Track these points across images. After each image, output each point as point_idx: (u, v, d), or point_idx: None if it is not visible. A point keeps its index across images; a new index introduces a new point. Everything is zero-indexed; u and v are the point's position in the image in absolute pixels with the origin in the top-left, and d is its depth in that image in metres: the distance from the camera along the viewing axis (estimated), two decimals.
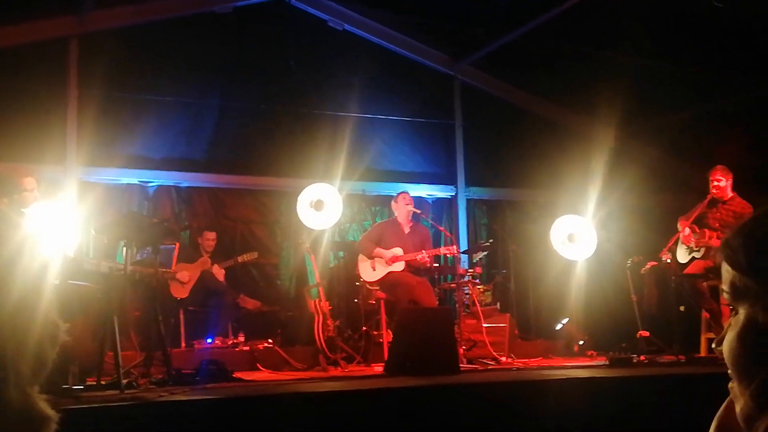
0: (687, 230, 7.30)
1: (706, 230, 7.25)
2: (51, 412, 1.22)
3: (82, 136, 8.26)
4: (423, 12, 9.41)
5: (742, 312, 1.25)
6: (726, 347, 1.27)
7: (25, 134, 7.96)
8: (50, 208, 5.36)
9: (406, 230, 8.04)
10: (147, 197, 8.81)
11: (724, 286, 1.28)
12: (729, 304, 1.30)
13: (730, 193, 7.36)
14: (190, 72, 9.06)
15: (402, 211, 8.05)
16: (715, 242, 7.10)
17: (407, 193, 8.25)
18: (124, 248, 5.60)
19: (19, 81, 8.13)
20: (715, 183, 7.31)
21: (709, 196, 7.33)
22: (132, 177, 8.71)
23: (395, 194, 8.33)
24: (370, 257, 7.88)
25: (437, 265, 8.54)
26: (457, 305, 7.76)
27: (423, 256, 7.74)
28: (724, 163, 7.47)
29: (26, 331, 1.21)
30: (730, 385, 1.27)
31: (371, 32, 9.86)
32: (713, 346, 1.32)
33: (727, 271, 1.26)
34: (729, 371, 1.27)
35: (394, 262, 7.75)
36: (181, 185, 9.00)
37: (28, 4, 8.03)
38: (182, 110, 9.08)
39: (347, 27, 9.70)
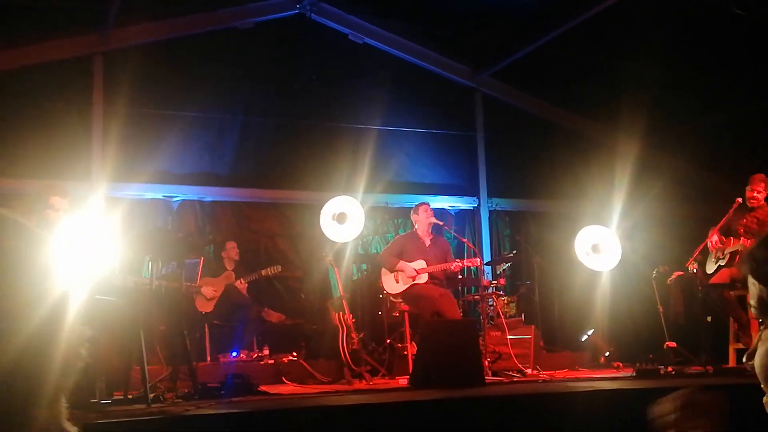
0: (715, 237, 7.22)
1: (732, 238, 7.18)
2: (73, 429, 1.23)
3: (107, 151, 8.34)
4: (443, 24, 9.43)
5: None
6: (757, 362, 1.25)
7: (50, 151, 8.06)
8: (78, 224, 5.40)
9: (427, 242, 8.01)
10: (171, 212, 8.88)
11: (752, 301, 1.25)
12: (757, 318, 1.28)
13: (761, 203, 7.26)
14: (213, 87, 9.13)
15: (423, 223, 8.01)
16: (739, 245, 7.00)
17: (428, 204, 8.21)
18: (150, 263, 5.64)
19: (44, 98, 8.24)
20: (756, 194, 7.18)
21: (735, 204, 7.22)
22: (156, 192, 8.78)
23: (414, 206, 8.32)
24: (393, 271, 7.86)
25: (461, 276, 8.51)
26: (481, 317, 7.73)
27: (458, 265, 7.73)
28: (757, 173, 7.35)
29: (51, 349, 1.22)
30: (765, 399, 1.25)
31: (392, 45, 9.89)
32: (744, 360, 1.30)
33: (753, 284, 1.24)
34: (762, 385, 1.25)
35: (418, 275, 7.73)
36: (204, 199, 9.07)
37: (53, 23, 8.14)
38: (205, 125, 9.16)
39: (368, 40, 9.74)
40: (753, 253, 1.25)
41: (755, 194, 7.21)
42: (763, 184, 7.23)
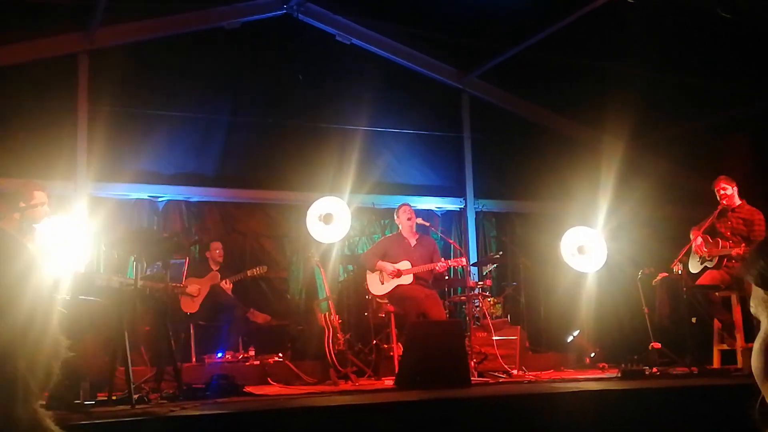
0: (699, 239, 7.27)
1: (720, 239, 7.22)
2: (56, 429, 1.22)
3: (92, 151, 8.30)
4: (431, 25, 9.43)
5: (764, 322, 1.25)
6: (753, 360, 1.26)
7: (35, 150, 8.00)
8: (61, 223, 5.37)
9: (413, 243, 8.02)
10: (157, 212, 8.83)
11: (752, 302, 1.27)
12: (756, 317, 1.30)
13: (738, 201, 7.37)
14: (200, 87, 9.10)
15: (405, 224, 8.03)
16: (731, 251, 7.05)
17: (408, 205, 8.21)
18: (135, 263, 5.61)
19: (29, 97, 8.17)
20: (722, 192, 7.33)
21: (720, 207, 7.32)
22: (142, 192, 8.74)
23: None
24: (372, 271, 7.86)
25: (447, 277, 8.52)
26: (467, 318, 7.73)
27: (443, 265, 7.73)
28: (733, 174, 7.47)
29: (36, 349, 1.21)
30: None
31: (379, 46, 9.89)
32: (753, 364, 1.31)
33: (754, 288, 1.26)
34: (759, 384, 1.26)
35: (397, 276, 7.71)
36: (190, 200, 9.03)
37: (39, 21, 8.09)
38: (192, 125, 9.12)
39: (355, 41, 9.73)
40: (753, 263, 1.27)
41: (722, 191, 7.33)
42: (724, 181, 7.39)
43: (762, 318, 1.25)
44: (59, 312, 1.28)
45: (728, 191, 7.34)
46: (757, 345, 1.26)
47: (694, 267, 7.37)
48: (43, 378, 1.23)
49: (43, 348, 1.22)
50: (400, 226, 8.11)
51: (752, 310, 1.28)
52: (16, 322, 1.18)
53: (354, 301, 8.56)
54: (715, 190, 7.40)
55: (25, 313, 1.20)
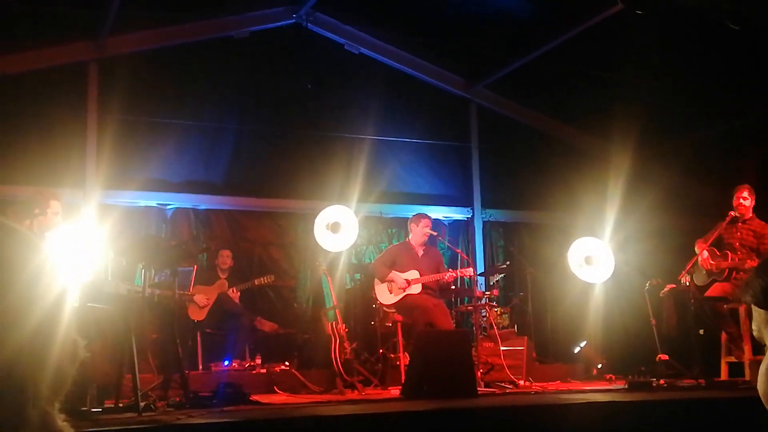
0: (705, 253, 7.23)
1: (728, 252, 7.18)
2: (69, 429, 1.23)
3: (101, 159, 8.33)
4: (439, 35, 9.46)
5: None
6: (759, 381, 1.26)
7: (45, 158, 8.04)
8: (70, 231, 5.39)
9: (420, 253, 8.02)
10: (165, 220, 8.86)
11: (754, 325, 1.27)
12: (760, 341, 1.29)
13: (750, 213, 7.32)
14: (208, 96, 9.14)
15: (419, 235, 8.01)
16: (743, 263, 7.01)
17: (429, 218, 8.18)
18: (143, 271, 5.62)
19: (39, 105, 8.22)
20: (742, 201, 7.25)
21: (729, 216, 7.26)
22: (150, 200, 8.77)
23: (411, 215, 8.27)
24: (383, 281, 7.86)
25: (454, 287, 8.51)
26: (474, 328, 7.72)
27: (451, 275, 7.74)
28: (742, 183, 7.43)
29: (46, 351, 1.22)
30: None
31: (387, 55, 9.91)
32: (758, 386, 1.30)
33: (755, 310, 1.26)
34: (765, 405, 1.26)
35: (409, 285, 7.72)
36: (199, 208, 9.06)
37: (48, 30, 8.14)
38: (200, 133, 9.16)
39: (363, 50, 9.76)
40: (750, 283, 1.26)
41: (742, 200, 7.27)
42: (748, 191, 7.32)
43: (767, 340, 1.25)
44: (73, 314, 1.28)
45: (747, 202, 7.28)
46: (763, 367, 1.27)
47: (701, 279, 7.34)
48: (57, 380, 1.23)
49: (53, 351, 1.23)
50: (411, 234, 8.09)
51: (755, 333, 1.28)
52: (27, 326, 1.19)
53: (361, 309, 8.55)
54: (735, 196, 7.30)
55: (36, 317, 1.21)
